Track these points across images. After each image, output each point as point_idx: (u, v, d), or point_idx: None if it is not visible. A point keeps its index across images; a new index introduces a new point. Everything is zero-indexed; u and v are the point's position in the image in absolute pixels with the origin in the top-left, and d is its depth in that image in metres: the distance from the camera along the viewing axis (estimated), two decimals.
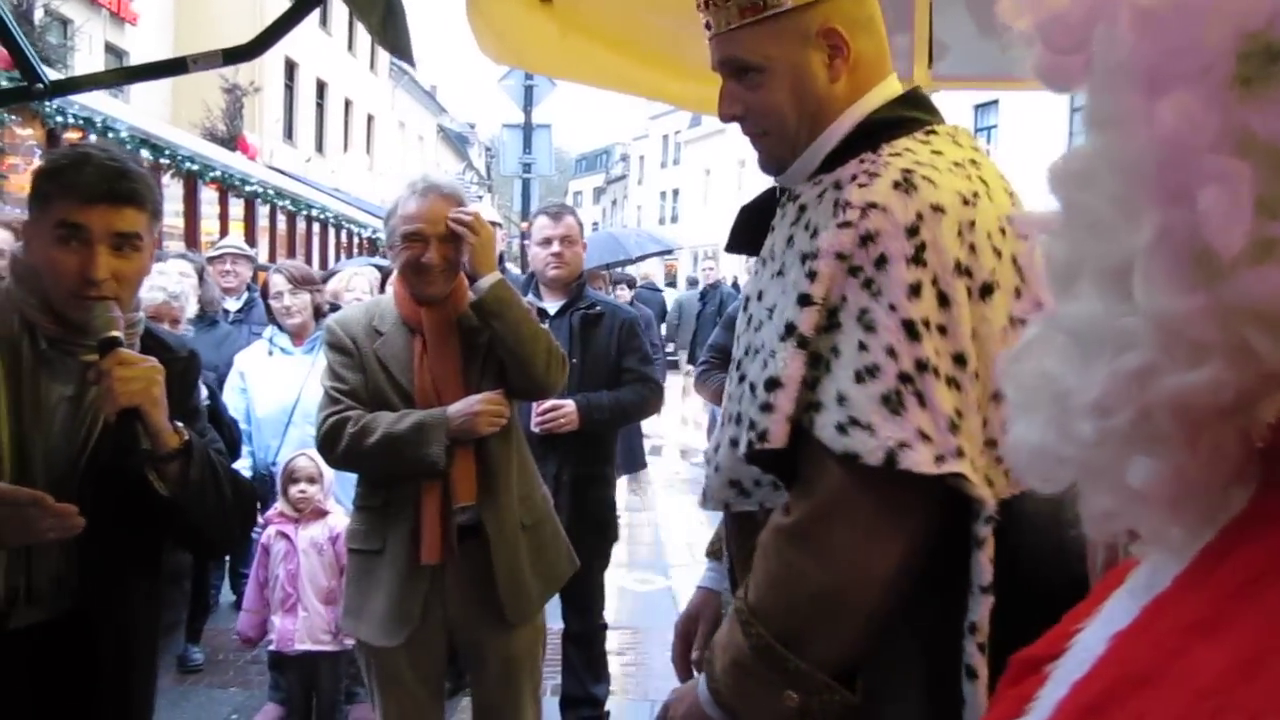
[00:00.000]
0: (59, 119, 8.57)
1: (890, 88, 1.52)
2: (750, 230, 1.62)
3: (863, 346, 1.29)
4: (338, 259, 18.61)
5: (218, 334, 4.94)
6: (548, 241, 4.04)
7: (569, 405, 3.80)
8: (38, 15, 14.93)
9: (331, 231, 18.44)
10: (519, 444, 2.98)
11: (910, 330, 1.28)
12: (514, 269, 11.13)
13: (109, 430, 1.80)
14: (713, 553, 1.86)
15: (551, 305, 4.03)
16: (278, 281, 4.37)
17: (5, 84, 6.95)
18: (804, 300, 1.33)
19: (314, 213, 16.82)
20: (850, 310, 1.31)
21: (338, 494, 4.06)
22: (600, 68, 3.72)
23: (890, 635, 1.36)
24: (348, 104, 30.22)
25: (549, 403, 3.76)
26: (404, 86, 36.17)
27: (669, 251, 18.43)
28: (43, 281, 1.83)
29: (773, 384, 1.34)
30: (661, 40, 3.82)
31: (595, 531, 3.93)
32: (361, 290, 5.23)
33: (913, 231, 1.31)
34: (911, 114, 1.48)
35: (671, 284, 29.74)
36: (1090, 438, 0.53)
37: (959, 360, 1.30)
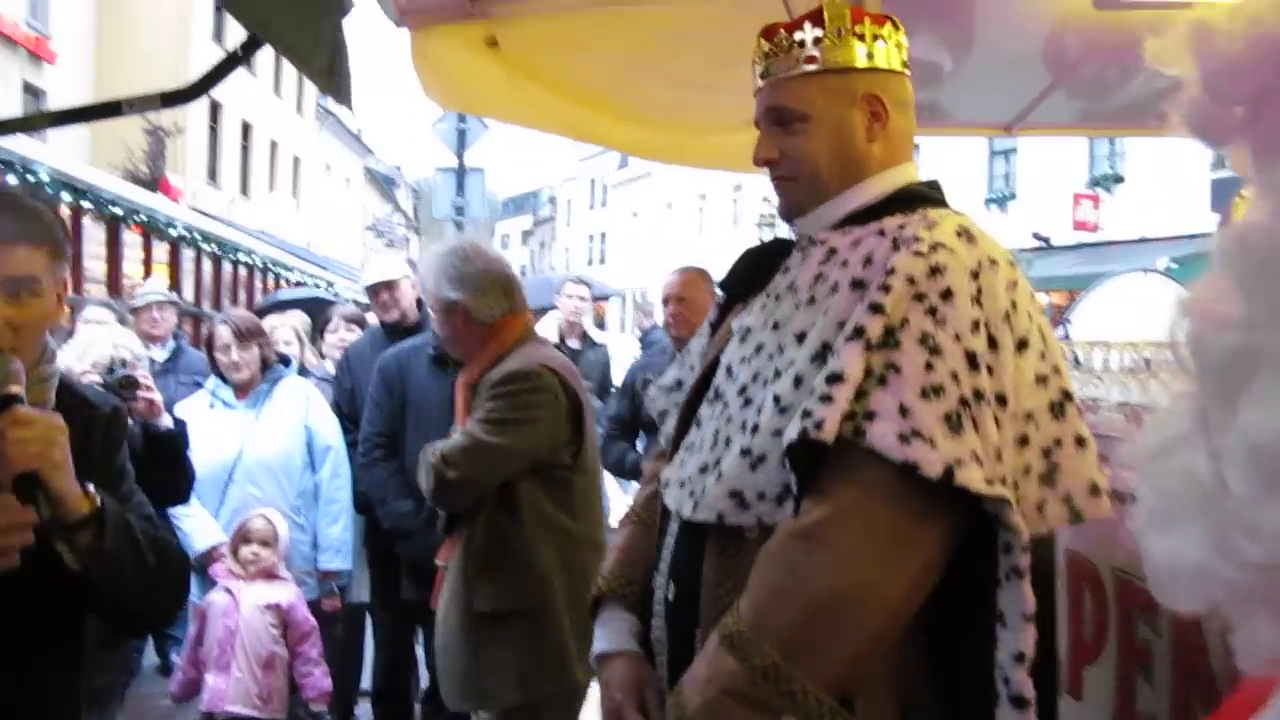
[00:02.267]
0: None
1: (916, 171, 1.70)
2: (751, 272, 1.75)
3: (929, 367, 1.36)
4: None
5: None
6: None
7: None
8: None
9: (258, 275, 18.08)
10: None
11: (972, 361, 1.38)
12: None
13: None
14: (611, 592, 1.80)
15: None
16: (223, 334, 4.10)
17: None
18: (875, 309, 1.40)
19: (240, 256, 16.49)
20: (912, 332, 1.38)
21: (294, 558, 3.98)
22: (546, 111, 3.68)
23: (898, 666, 1.40)
24: (273, 145, 29.85)
25: None
26: (330, 128, 35.86)
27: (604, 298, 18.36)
28: None
29: (835, 378, 1.37)
30: (603, 86, 3.80)
31: None
32: (285, 340, 5.01)
33: (975, 275, 1.44)
34: (937, 194, 1.65)
35: (600, 326, 29.70)
36: (1261, 560, 0.45)
37: (1001, 400, 1.40)
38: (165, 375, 5.39)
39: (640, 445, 4.93)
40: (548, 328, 6.35)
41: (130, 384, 3.27)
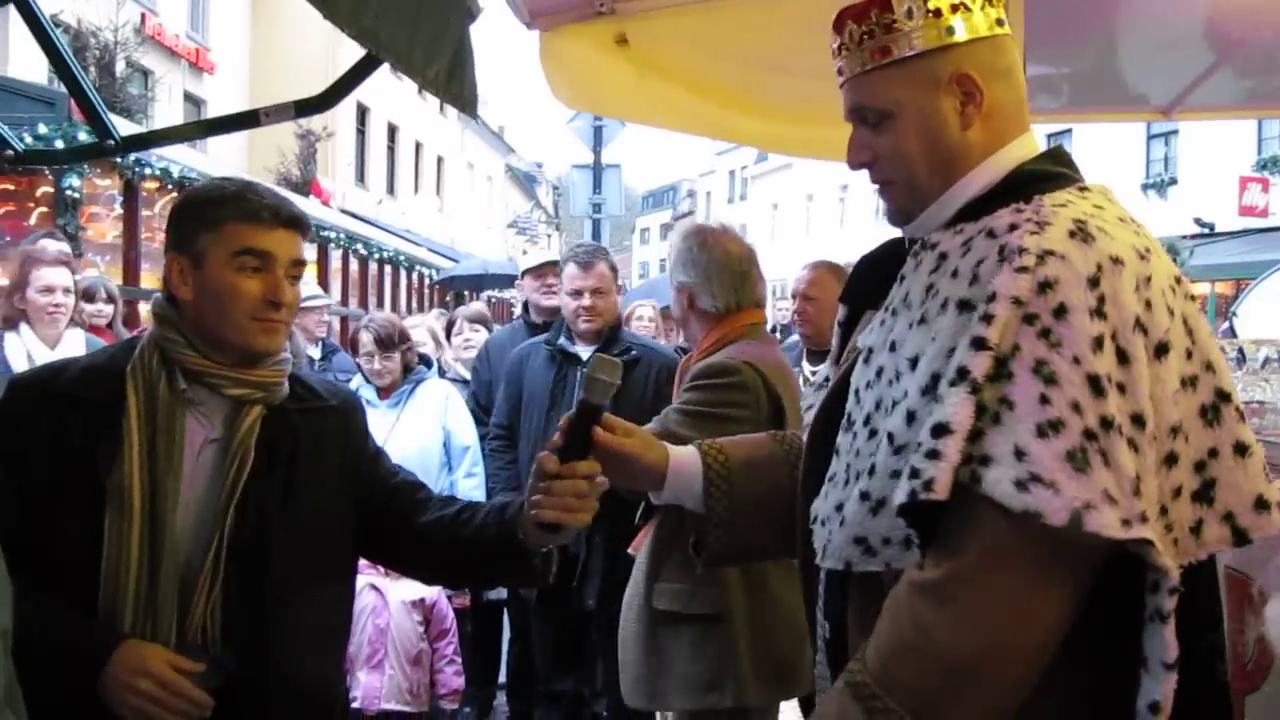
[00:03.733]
0: (136, 169, 8.70)
1: (1032, 143, 1.48)
2: (873, 281, 1.58)
3: (1045, 400, 1.21)
4: (409, 301, 18.79)
5: None
6: (578, 293, 3.83)
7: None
8: (119, 67, 15.38)
9: (403, 274, 18.61)
10: None
11: (1095, 385, 1.22)
12: None
13: (258, 475, 1.77)
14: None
15: (584, 350, 3.85)
16: (366, 341, 4.19)
17: (84, 137, 7.07)
18: (979, 344, 1.25)
19: (385, 255, 16.98)
20: (1024, 360, 1.24)
21: None
22: (675, 109, 3.64)
23: (1030, 713, 1.27)
24: (418, 146, 30.69)
25: None
26: (473, 128, 36.67)
27: None
28: (198, 313, 1.78)
29: (941, 430, 1.24)
30: (734, 80, 3.74)
31: None
32: (420, 341, 5.08)
33: (1094, 283, 1.25)
34: (1060, 169, 1.44)
35: None
36: None
37: (1137, 421, 1.23)
38: (324, 373, 5.58)
39: None
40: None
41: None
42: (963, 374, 1.25)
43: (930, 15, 1.40)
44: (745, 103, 3.89)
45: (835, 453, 1.51)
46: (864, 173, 1.52)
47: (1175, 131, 22.72)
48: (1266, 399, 2.49)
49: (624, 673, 2.94)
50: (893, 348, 1.40)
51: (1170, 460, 1.27)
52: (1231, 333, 5.73)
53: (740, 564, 1.77)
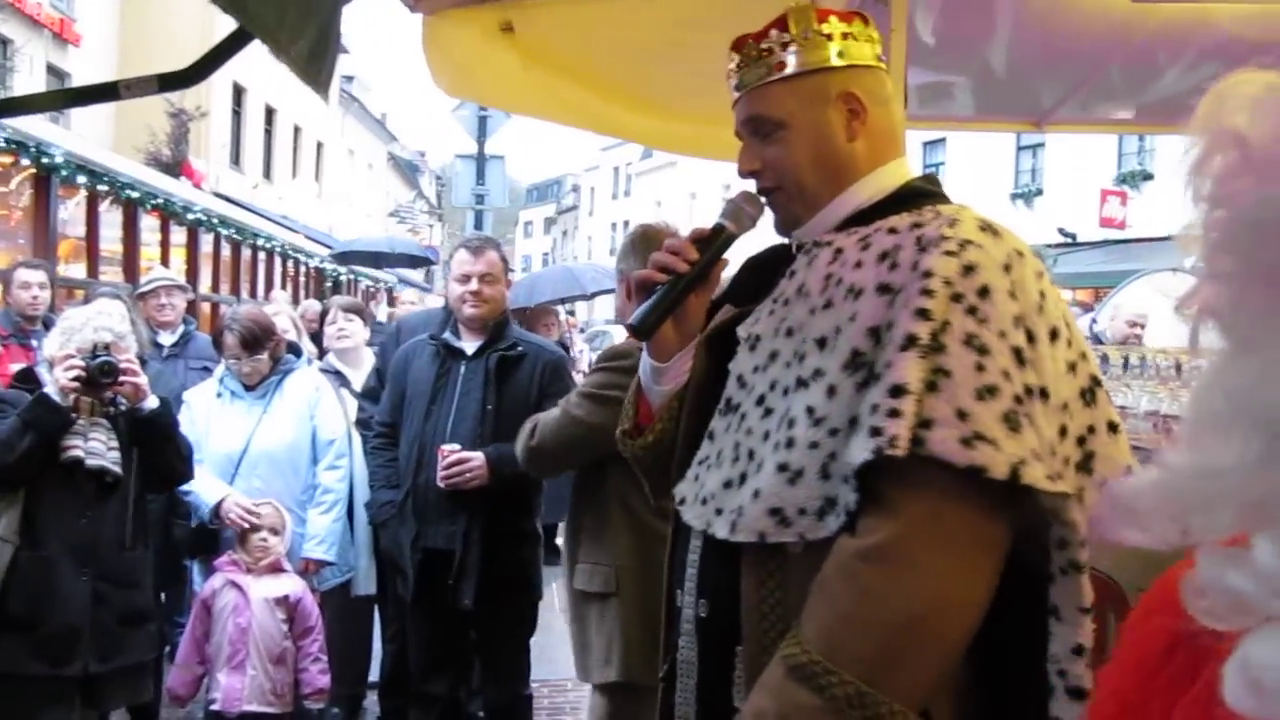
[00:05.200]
0: None
1: (909, 166, 1.64)
2: (752, 280, 1.69)
3: (980, 368, 1.34)
4: (284, 288, 18.26)
5: (148, 373, 4.57)
6: (466, 278, 3.77)
7: (477, 458, 3.55)
8: None
9: (278, 261, 18.08)
10: None
11: (1019, 357, 1.36)
12: None
13: None
14: None
15: (469, 345, 3.78)
16: (231, 343, 4.01)
17: None
18: (923, 314, 1.36)
19: (260, 241, 16.47)
20: (955, 334, 1.35)
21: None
22: (560, 101, 3.59)
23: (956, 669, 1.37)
24: (297, 130, 29.85)
25: (455, 455, 3.54)
26: (354, 114, 35.87)
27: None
28: None
29: (898, 391, 1.33)
30: (621, 74, 3.71)
31: (516, 593, 3.70)
32: (282, 329, 4.87)
33: (1007, 269, 1.41)
34: (936, 189, 1.61)
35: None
36: None
37: (1043, 394, 1.38)
38: (175, 360, 5.36)
39: None
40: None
41: (108, 370, 3.23)
42: (912, 339, 1.35)
43: (823, 38, 1.57)
44: (631, 97, 3.87)
45: (708, 437, 1.61)
46: (750, 178, 1.64)
47: (1042, 144, 23.61)
48: (1128, 405, 2.57)
49: (572, 647, 3.15)
50: (789, 333, 1.52)
51: (1062, 432, 1.41)
52: (1094, 339, 5.97)
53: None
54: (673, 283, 1.68)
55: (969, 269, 1.38)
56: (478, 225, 11.49)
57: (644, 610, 2.88)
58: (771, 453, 1.46)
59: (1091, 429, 1.46)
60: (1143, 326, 5.79)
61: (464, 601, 3.59)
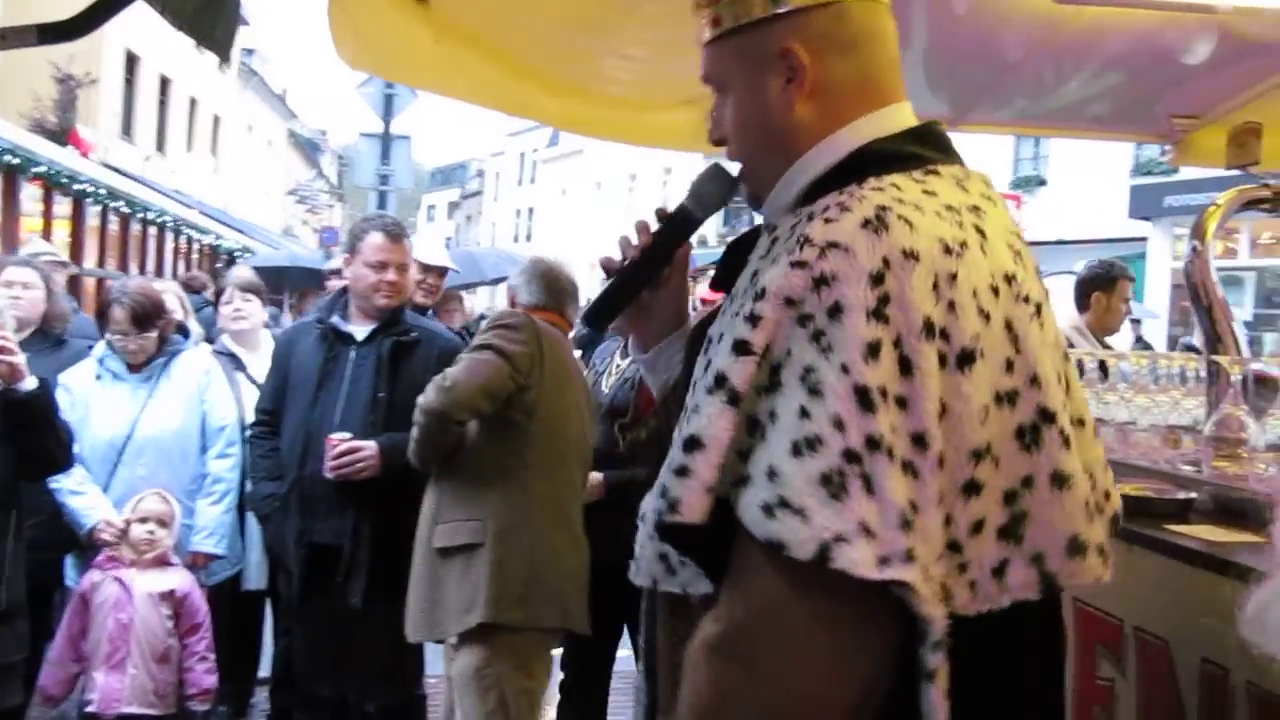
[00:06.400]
0: None
1: (897, 118, 1.31)
2: (735, 266, 1.39)
3: (804, 413, 1.06)
4: (175, 266, 17.63)
5: (66, 356, 4.11)
6: (383, 266, 3.59)
7: (368, 448, 3.42)
8: None
9: (170, 236, 17.46)
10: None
11: (863, 398, 1.05)
12: None
13: None
14: None
15: (360, 330, 3.62)
16: (119, 317, 3.75)
17: None
18: (741, 348, 1.11)
19: (151, 215, 15.87)
20: (794, 367, 1.08)
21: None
22: (471, 79, 3.45)
23: None
24: (193, 103, 28.87)
25: (345, 444, 3.40)
26: (254, 89, 34.84)
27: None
28: None
29: (693, 444, 1.10)
30: (536, 54, 3.59)
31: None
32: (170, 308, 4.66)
33: (877, 279, 1.09)
34: (915, 149, 1.27)
35: None
36: None
37: (919, 442, 1.07)
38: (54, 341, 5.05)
39: None
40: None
41: None
42: (720, 381, 1.11)
43: None
44: (548, 78, 3.75)
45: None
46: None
47: None
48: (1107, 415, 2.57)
49: (410, 612, 3.25)
50: (719, 339, 1.22)
51: (971, 489, 1.11)
52: None
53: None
54: (625, 270, 1.49)
55: (820, 281, 1.09)
56: (381, 206, 11.21)
57: (509, 556, 3.15)
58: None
59: (1028, 481, 1.13)
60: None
61: (353, 600, 3.46)
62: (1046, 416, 1.15)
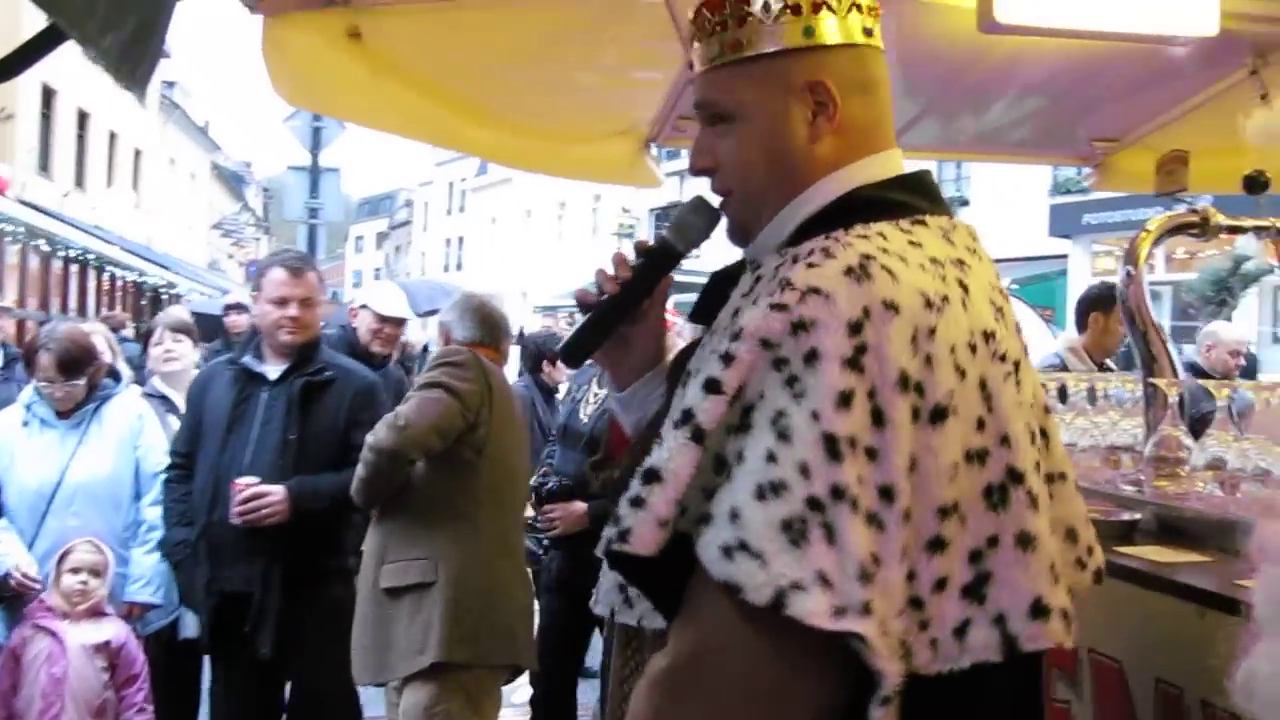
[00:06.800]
0: None
1: (888, 164, 1.32)
2: (716, 300, 1.38)
3: (771, 457, 1.06)
4: (99, 304, 17.24)
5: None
6: (284, 302, 3.48)
7: (276, 492, 3.30)
8: None
9: (92, 274, 17.08)
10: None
11: (831, 447, 1.05)
12: None
13: None
14: None
15: (273, 370, 3.50)
16: (46, 364, 3.65)
17: None
18: (712, 386, 1.10)
19: (72, 253, 15.52)
20: (765, 410, 1.08)
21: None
22: (405, 112, 3.44)
23: None
24: (113, 137, 28.30)
25: (251, 489, 3.28)
26: (176, 121, 34.27)
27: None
28: None
29: (651, 476, 1.10)
30: (469, 87, 3.59)
31: (331, 638, 3.38)
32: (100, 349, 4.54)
33: (855, 329, 1.09)
34: (904, 198, 1.27)
35: None
36: None
37: (886, 494, 1.07)
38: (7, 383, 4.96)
39: None
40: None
41: None
42: (686, 417, 1.11)
43: (789, 11, 1.26)
44: (480, 111, 3.75)
45: None
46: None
47: None
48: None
49: (355, 654, 3.24)
50: (696, 374, 1.21)
51: (936, 545, 1.11)
52: (1200, 373, 5.90)
53: None
54: (601, 305, 1.42)
55: (799, 326, 1.09)
56: (310, 239, 11.08)
57: (461, 594, 3.15)
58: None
59: (994, 541, 1.13)
60: (1245, 356, 5.61)
61: (261, 650, 3.31)
62: (1015, 477, 1.15)
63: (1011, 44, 3.71)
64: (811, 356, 1.08)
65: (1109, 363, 5.07)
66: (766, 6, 1.26)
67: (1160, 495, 2.18)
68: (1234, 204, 2.96)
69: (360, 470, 3.14)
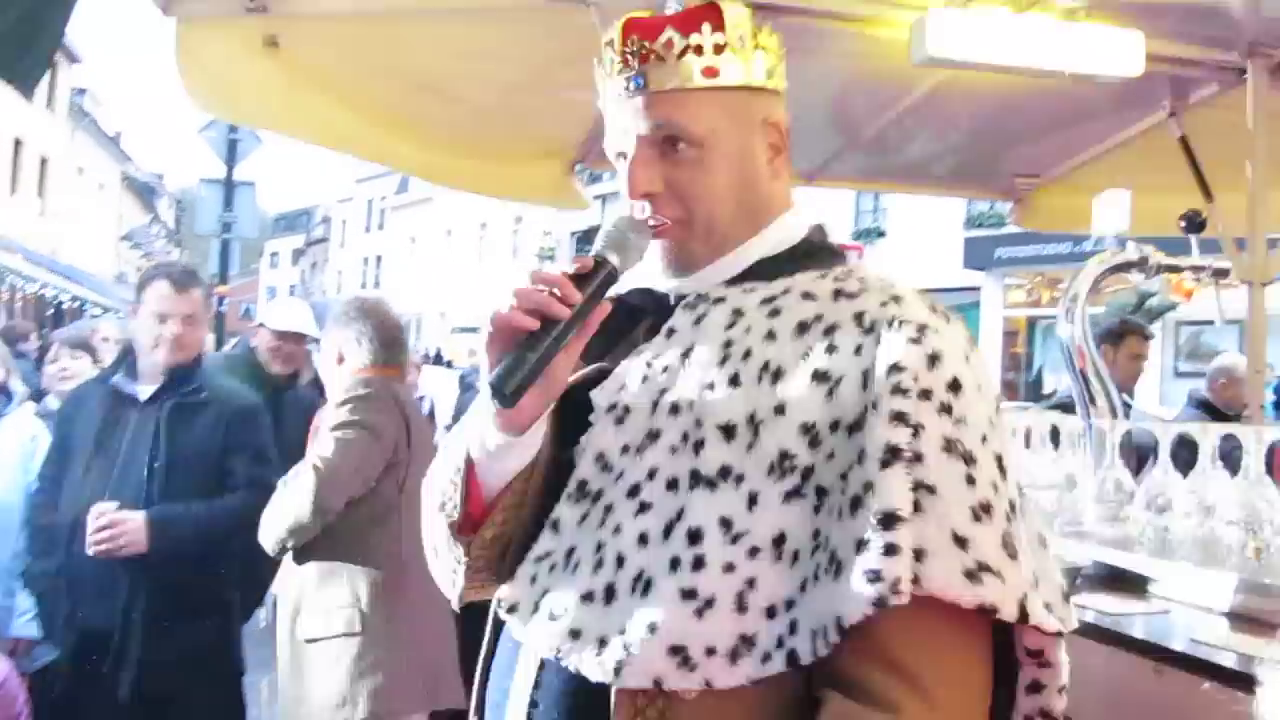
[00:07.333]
0: None
1: (807, 211, 1.36)
2: (608, 333, 1.28)
3: (970, 480, 1.09)
4: None
5: None
6: (165, 318, 3.16)
7: (132, 520, 2.99)
8: None
9: None
10: None
11: (1000, 465, 1.13)
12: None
13: None
14: None
15: (145, 390, 3.20)
16: None
17: None
18: (899, 418, 1.09)
19: None
20: (932, 439, 1.09)
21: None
22: (325, 124, 3.35)
23: None
24: (17, 144, 27.48)
25: (108, 515, 2.98)
26: (85, 130, 33.38)
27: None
28: None
29: (891, 520, 1.05)
30: (391, 101, 3.52)
31: (207, 676, 3.14)
32: None
33: (967, 359, 1.16)
34: (832, 244, 1.35)
35: None
36: None
37: (1020, 510, 1.15)
38: None
39: None
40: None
41: None
42: (895, 453, 1.08)
43: (758, 50, 1.27)
44: (399, 125, 3.67)
45: (551, 526, 1.24)
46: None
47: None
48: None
49: (282, 705, 3.10)
50: (674, 410, 1.18)
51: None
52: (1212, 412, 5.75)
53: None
54: (547, 331, 1.21)
55: (934, 359, 1.12)
56: (223, 254, 10.82)
57: (388, 644, 2.97)
58: (668, 573, 1.12)
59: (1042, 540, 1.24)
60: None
61: (120, 693, 3.01)
62: (1019, 489, 1.22)
63: (938, 78, 3.77)
64: (955, 386, 1.12)
65: (1125, 398, 4.83)
66: (742, 40, 1.27)
67: (1100, 539, 2.16)
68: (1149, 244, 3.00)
69: (278, 516, 2.95)
